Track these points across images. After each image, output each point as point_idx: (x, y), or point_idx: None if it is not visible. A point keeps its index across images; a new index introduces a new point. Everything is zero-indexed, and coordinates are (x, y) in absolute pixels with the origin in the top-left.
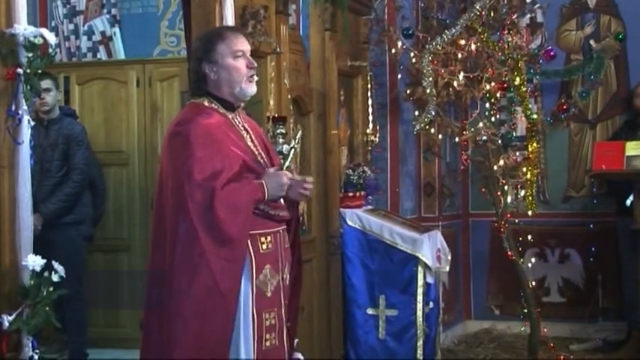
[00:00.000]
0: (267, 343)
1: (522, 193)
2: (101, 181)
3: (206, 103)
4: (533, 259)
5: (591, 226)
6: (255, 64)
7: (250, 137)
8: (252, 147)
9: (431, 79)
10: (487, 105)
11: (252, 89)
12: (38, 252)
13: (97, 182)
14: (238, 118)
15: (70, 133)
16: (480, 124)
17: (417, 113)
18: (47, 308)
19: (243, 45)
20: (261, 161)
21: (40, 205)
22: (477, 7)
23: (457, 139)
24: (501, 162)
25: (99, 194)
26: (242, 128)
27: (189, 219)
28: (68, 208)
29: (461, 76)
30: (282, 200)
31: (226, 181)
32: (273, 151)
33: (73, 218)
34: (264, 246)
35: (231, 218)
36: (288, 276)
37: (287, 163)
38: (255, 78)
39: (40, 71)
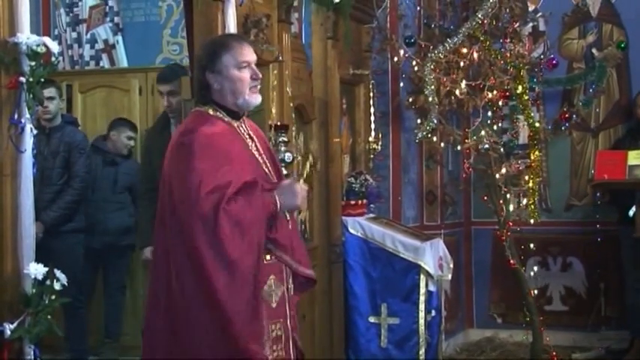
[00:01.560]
0: (275, 354)
1: (524, 201)
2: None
3: (211, 112)
4: (535, 268)
5: (594, 234)
6: (260, 75)
7: (255, 145)
8: (257, 155)
9: (433, 87)
10: (489, 113)
11: (256, 100)
12: (38, 260)
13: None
14: (244, 126)
15: (71, 141)
16: (482, 133)
17: (419, 121)
18: (49, 316)
19: (249, 56)
20: (266, 170)
21: (40, 213)
22: (479, 16)
23: (459, 148)
24: (503, 170)
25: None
26: (247, 136)
27: (193, 234)
28: (69, 216)
29: (463, 84)
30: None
31: (232, 193)
32: (277, 158)
33: (74, 226)
34: (268, 256)
35: (235, 238)
36: (292, 287)
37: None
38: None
39: (43, 79)
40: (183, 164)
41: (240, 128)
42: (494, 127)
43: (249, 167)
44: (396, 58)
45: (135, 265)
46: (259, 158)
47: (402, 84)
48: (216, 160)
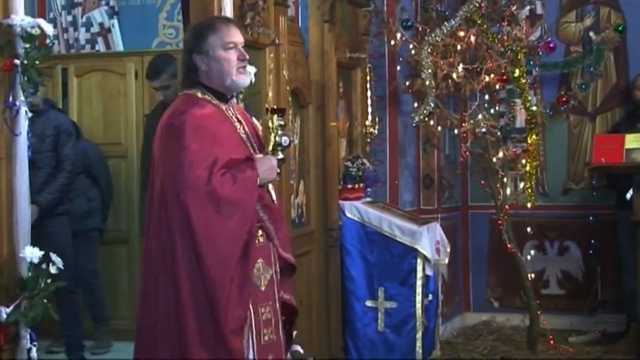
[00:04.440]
0: (266, 338)
1: (521, 185)
2: (102, 173)
3: (199, 95)
4: (532, 252)
5: (591, 218)
6: (247, 56)
7: (244, 128)
8: (244, 139)
9: (430, 70)
10: (486, 97)
11: (244, 80)
12: (34, 243)
13: (99, 175)
14: (232, 109)
15: (59, 124)
16: (479, 116)
17: (416, 105)
18: (45, 300)
19: (235, 37)
20: (254, 154)
21: (35, 196)
22: None
23: (456, 131)
24: (500, 154)
25: (104, 188)
26: (235, 120)
27: (185, 212)
28: (61, 199)
29: (460, 68)
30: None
31: (221, 168)
32: (264, 142)
33: (64, 208)
34: (256, 240)
35: (225, 215)
36: (279, 270)
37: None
38: (250, 69)
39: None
40: (174, 145)
41: (229, 111)
42: (492, 111)
43: (237, 150)
44: (393, 42)
45: (134, 251)
46: (247, 142)
47: (399, 67)
48: (207, 140)
